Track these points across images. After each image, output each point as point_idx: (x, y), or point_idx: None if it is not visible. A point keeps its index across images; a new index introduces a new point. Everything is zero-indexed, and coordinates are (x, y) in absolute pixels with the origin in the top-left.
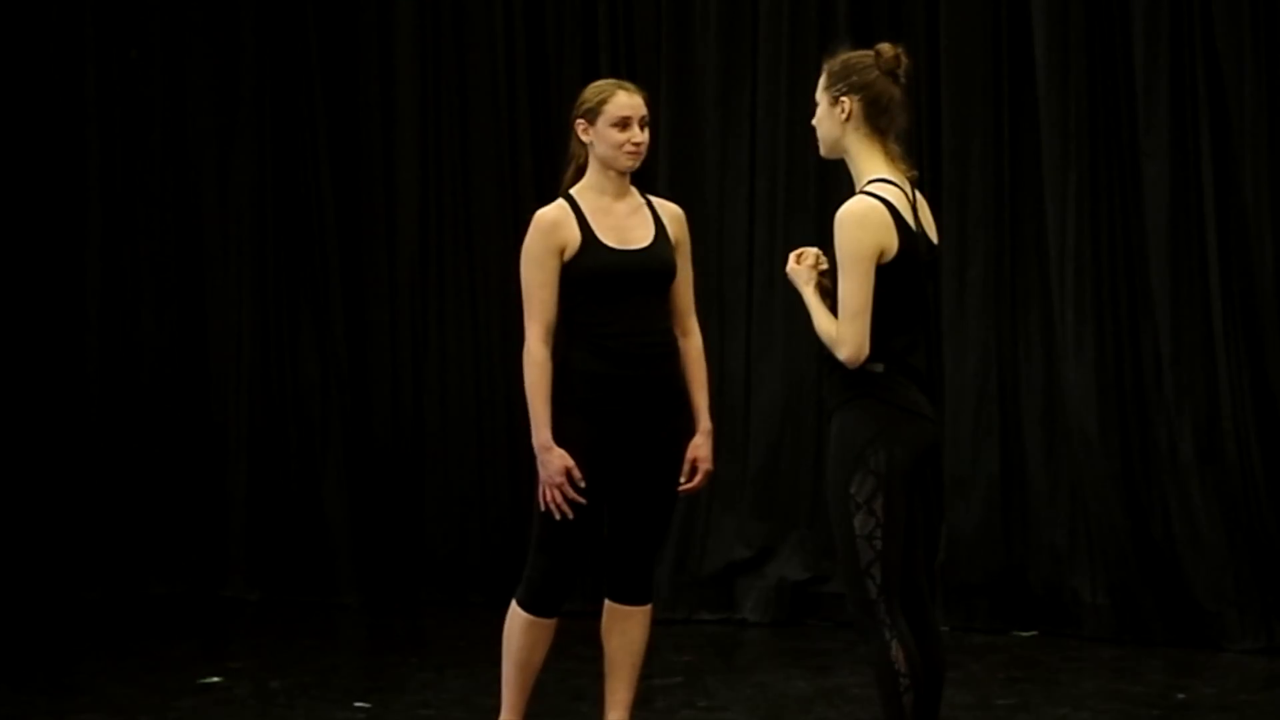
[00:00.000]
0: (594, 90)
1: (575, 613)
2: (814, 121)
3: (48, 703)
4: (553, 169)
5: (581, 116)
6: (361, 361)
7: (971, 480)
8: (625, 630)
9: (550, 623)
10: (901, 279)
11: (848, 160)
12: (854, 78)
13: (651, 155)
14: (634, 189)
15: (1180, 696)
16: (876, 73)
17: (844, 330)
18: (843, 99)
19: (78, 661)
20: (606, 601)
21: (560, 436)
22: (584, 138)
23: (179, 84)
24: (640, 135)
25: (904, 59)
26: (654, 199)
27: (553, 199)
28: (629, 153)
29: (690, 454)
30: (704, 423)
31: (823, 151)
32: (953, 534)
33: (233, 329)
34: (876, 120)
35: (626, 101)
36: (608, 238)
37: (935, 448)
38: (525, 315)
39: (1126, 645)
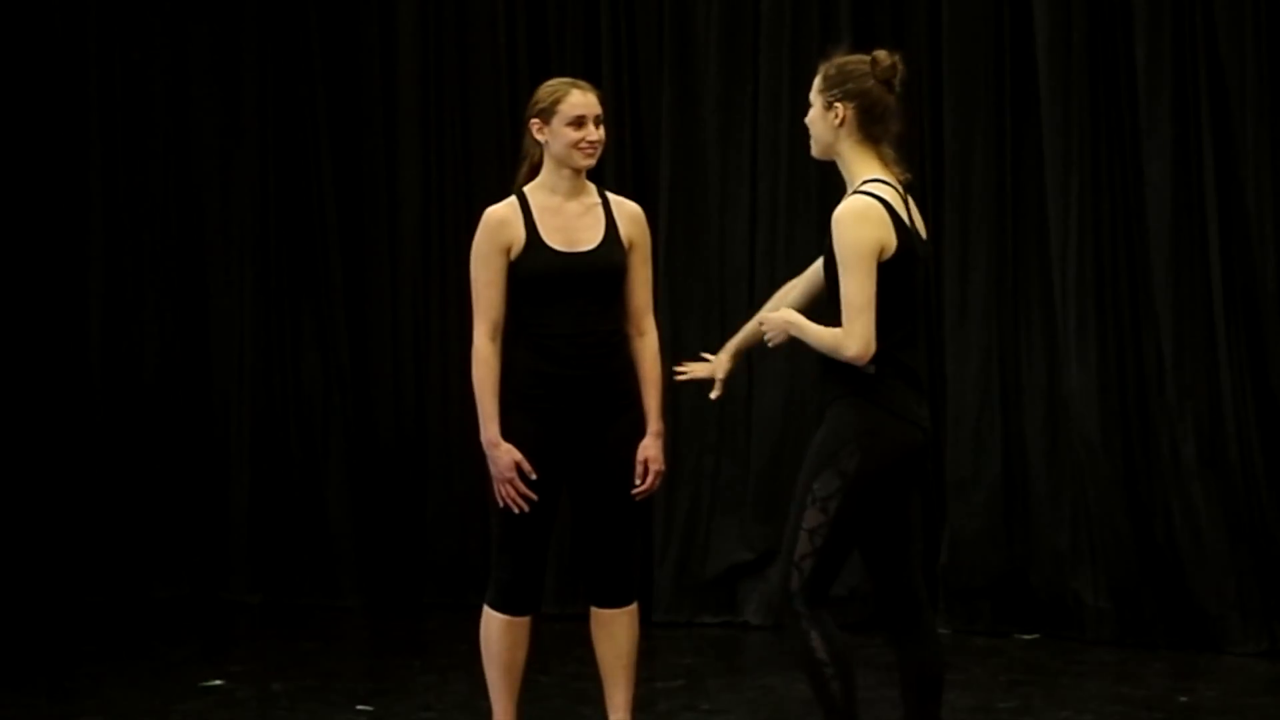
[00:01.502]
0: (548, 89)
1: (577, 615)
2: (807, 120)
3: (49, 706)
4: None
5: (536, 116)
6: (364, 364)
7: (973, 483)
8: (612, 634)
9: (525, 621)
10: (898, 277)
11: (840, 164)
12: (849, 85)
13: (653, 158)
14: (591, 187)
15: (1182, 700)
16: (872, 81)
17: (851, 327)
18: (837, 105)
19: (79, 665)
20: (591, 608)
21: (507, 432)
22: (539, 136)
23: (182, 89)
24: (595, 133)
25: (900, 67)
26: (612, 198)
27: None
28: (584, 151)
29: (640, 455)
30: (654, 424)
31: (814, 151)
32: (955, 536)
33: (235, 331)
34: (870, 128)
35: (581, 100)
36: (553, 239)
37: (923, 450)
38: (474, 312)
39: (1129, 648)
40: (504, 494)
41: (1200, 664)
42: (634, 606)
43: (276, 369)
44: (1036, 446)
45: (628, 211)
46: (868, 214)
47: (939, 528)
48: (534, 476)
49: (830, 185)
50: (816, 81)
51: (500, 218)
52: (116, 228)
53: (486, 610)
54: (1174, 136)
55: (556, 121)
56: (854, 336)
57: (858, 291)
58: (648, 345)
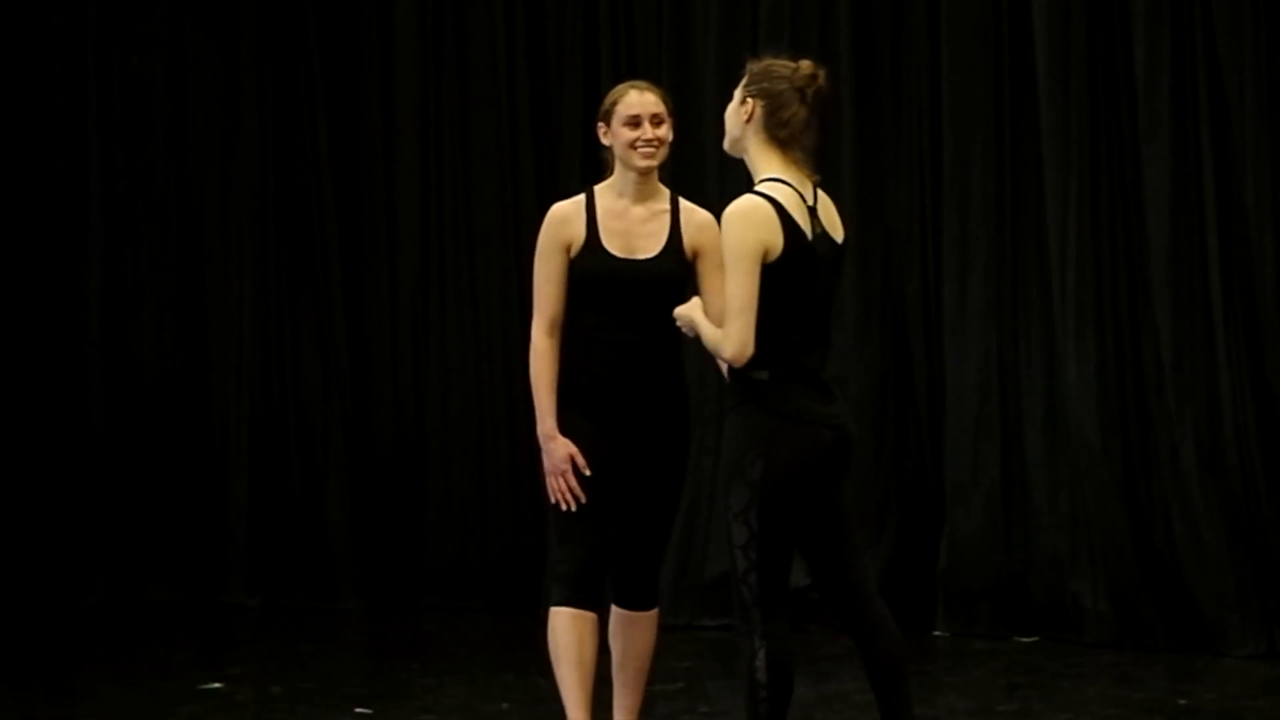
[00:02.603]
0: (610, 94)
1: None
2: (726, 115)
3: (49, 708)
4: (554, 172)
5: (600, 119)
6: (363, 366)
7: (972, 485)
8: (631, 636)
9: (592, 615)
10: (789, 279)
11: (746, 161)
12: (764, 83)
13: None
14: (665, 192)
15: (1182, 702)
16: (786, 85)
17: (727, 328)
18: (749, 100)
19: (79, 667)
20: (613, 607)
21: (563, 427)
22: (604, 140)
23: (180, 90)
24: (651, 132)
25: (820, 80)
26: (684, 205)
27: (552, 201)
28: (642, 151)
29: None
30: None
31: (725, 145)
32: (954, 539)
33: (234, 333)
34: (774, 129)
35: (636, 100)
36: (611, 243)
37: (836, 447)
38: (534, 306)
39: (1128, 651)
40: (555, 488)
41: (1200, 667)
42: (656, 612)
43: (275, 371)
44: (1035, 449)
45: (697, 220)
46: (752, 216)
47: (938, 531)
48: (588, 472)
49: (827, 183)
50: (744, 78)
51: (563, 215)
52: (115, 230)
53: (552, 611)
54: (1173, 139)
55: (615, 123)
56: (729, 338)
57: (736, 292)
58: None
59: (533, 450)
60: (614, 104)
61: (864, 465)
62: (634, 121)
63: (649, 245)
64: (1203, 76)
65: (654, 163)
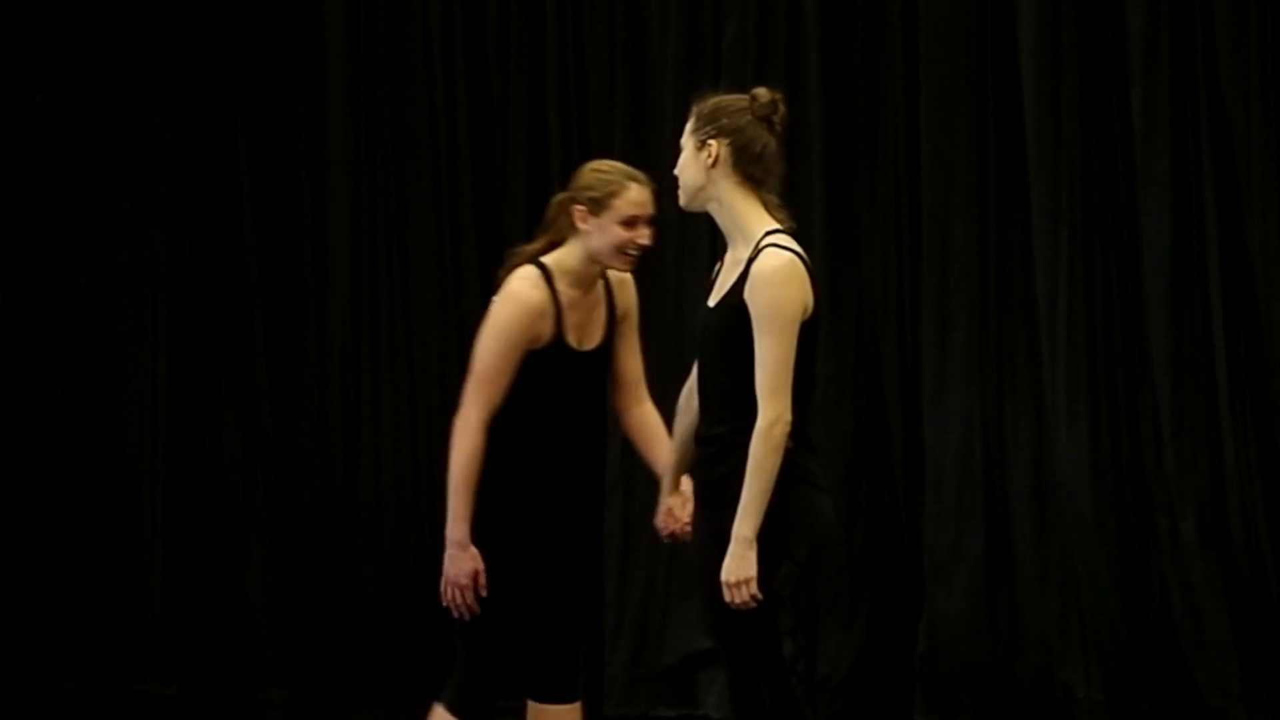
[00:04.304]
0: (600, 178)
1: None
2: (676, 169)
3: None
4: (496, 229)
5: (583, 203)
6: (289, 434)
7: (954, 563)
8: None
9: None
10: (806, 342)
11: (717, 211)
12: (724, 121)
13: None
14: None
15: None
16: (750, 117)
17: (776, 402)
18: (710, 143)
19: None
20: (530, 702)
21: (532, 524)
22: (581, 225)
23: (89, 132)
24: (647, 237)
25: (781, 106)
26: (610, 274)
27: (494, 262)
28: (629, 257)
29: (667, 527)
30: (681, 483)
31: (683, 201)
32: (934, 622)
33: (148, 397)
34: (747, 168)
35: (639, 198)
36: (571, 336)
37: (837, 524)
38: (471, 391)
39: None
40: (453, 600)
41: None
42: (580, 705)
43: (194, 441)
44: (1023, 523)
45: (619, 281)
46: (794, 273)
47: (917, 612)
48: (484, 594)
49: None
50: (689, 124)
51: (540, 310)
52: (15, 289)
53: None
54: (1172, 186)
55: (607, 217)
56: (779, 411)
57: (783, 360)
58: (648, 412)
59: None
60: (609, 196)
61: (836, 540)
62: (631, 222)
63: (596, 333)
64: (1205, 118)
65: (633, 267)
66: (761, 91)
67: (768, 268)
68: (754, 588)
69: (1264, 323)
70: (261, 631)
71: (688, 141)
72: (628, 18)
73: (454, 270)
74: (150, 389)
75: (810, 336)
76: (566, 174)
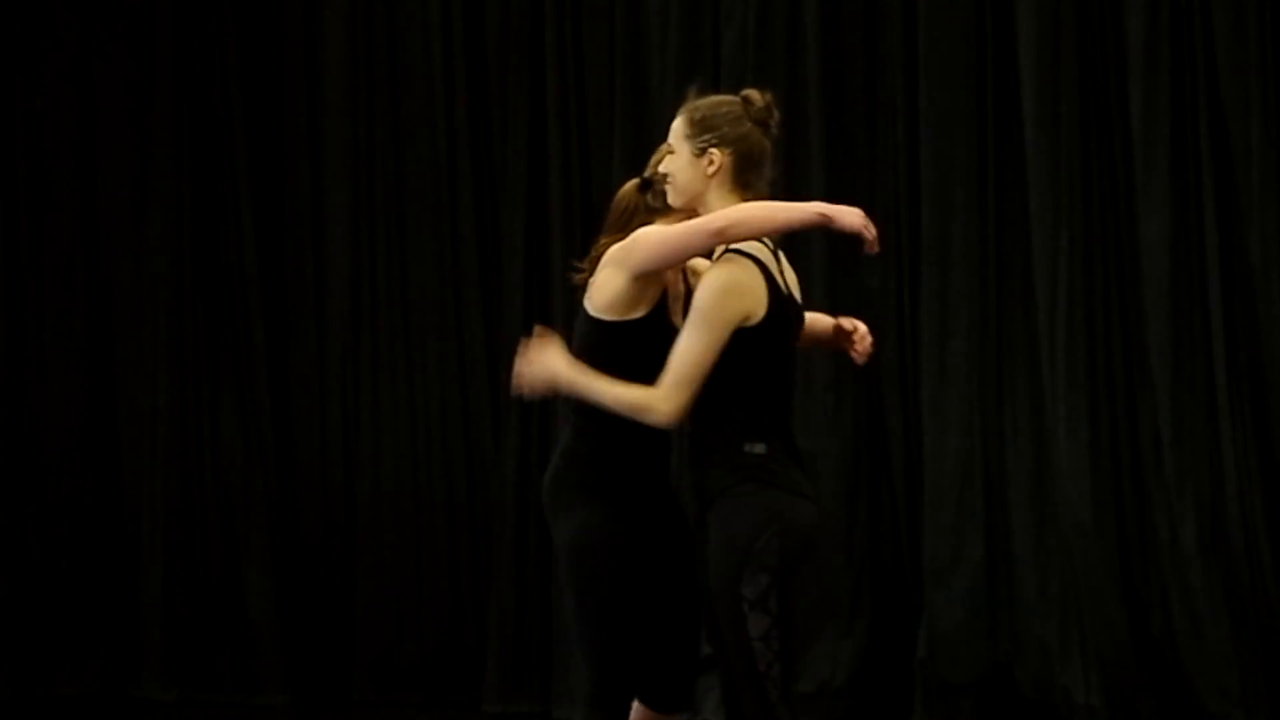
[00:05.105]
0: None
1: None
2: (666, 168)
3: None
4: (495, 234)
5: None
6: (288, 440)
7: (953, 570)
8: None
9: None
10: (770, 344)
11: (704, 214)
12: (725, 129)
13: (602, 213)
14: None
15: None
16: (749, 124)
17: (671, 392)
18: (712, 151)
19: None
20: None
21: (644, 527)
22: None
23: (89, 139)
24: None
25: (774, 109)
26: None
27: (494, 263)
28: None
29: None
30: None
31: (672, 200)
32: (933, 629)
33: (147, 404)
34: (745, 175)
35: None
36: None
37: (822, 526)
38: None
39: None
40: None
41: None
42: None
43: (193, 448)
44: (1022, 530)
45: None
46: (739, 281)
47: (916, 618)
48: None
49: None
50: (679, 126)
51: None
52: (16, 295)
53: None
54: (1172, 191)
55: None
56: (671, 401)
57: (697, 359)
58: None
59: (473, 529)
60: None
61: (835, 547)
62: None
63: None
64: (1205, 123)
65: None
66: (754, 94)
67: (713, 273)
68: (534, 385)
69: (1264, 327)
70: (260, 637)
71: (682, 146)
72: (627, 21)
73: (453, 273)
74: (149, 392)
75: (773, 337)
76: (565, 178)
